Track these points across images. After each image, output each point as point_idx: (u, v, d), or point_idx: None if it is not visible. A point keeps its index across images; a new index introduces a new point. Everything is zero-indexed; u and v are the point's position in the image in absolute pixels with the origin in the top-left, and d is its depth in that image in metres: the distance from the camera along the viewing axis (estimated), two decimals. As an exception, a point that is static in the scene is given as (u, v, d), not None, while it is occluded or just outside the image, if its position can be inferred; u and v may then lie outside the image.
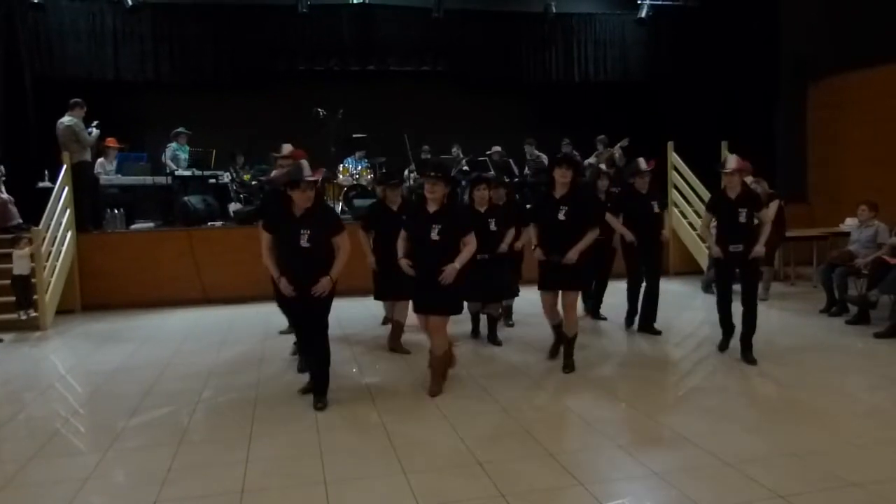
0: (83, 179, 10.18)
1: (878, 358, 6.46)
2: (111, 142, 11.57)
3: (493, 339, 7.25)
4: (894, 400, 5.30)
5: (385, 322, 8.18)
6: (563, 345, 6.28)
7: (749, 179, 9.56)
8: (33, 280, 8.83)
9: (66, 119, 10.05)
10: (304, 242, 5.08)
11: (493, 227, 6.88)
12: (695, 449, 4.32)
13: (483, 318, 7.44)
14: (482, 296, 7.09)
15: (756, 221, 6.40)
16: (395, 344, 7.07)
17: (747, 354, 6.32)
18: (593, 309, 8.42)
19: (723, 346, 6.62)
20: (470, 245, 5.45)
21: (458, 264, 5.35)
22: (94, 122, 10.40)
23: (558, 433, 4.72)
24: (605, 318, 8.29)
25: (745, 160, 6.76)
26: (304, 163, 5.19)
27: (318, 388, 5.40)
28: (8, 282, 8.74)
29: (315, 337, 5.36)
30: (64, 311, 9.54)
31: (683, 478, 3.92)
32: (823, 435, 4.52)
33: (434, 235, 5.35)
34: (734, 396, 5.40)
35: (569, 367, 6.13)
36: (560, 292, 6.14)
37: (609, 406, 5.26)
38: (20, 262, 8.68)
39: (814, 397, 5.29)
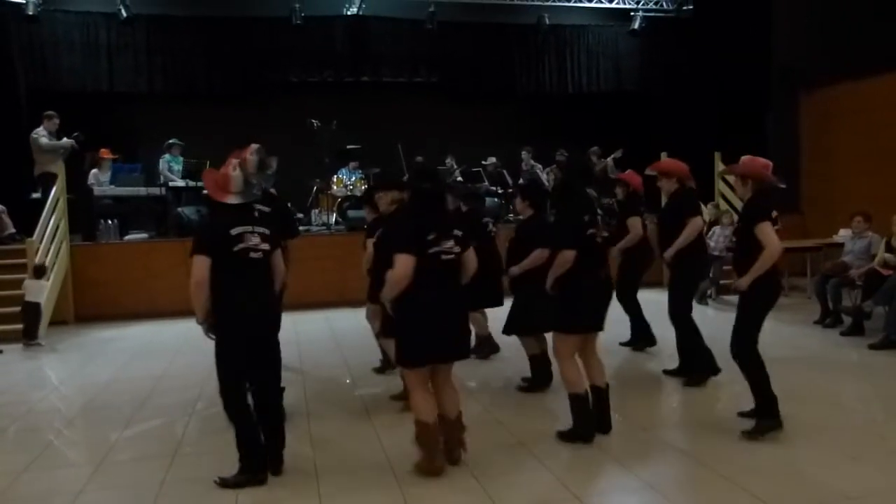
0: (48, 190, 10.10)
1: (873, 369, 6.46)
2: (105, 153, 11.53)
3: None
4: (889, 412, 5.32)
5: (381, 371, 6.65)
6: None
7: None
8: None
9: (34, 131, 10.17)
10: (253, 254, 4.04)
11: None
12: (689, 461, 4.32)
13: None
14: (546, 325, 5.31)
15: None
16: None
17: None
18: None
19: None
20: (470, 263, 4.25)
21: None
22: (75, 133, 10.39)
23: (552, 445, 4.69)
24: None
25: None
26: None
27: (279, 453, 4.24)
28: (5, 293, 8.74)
29: (275, 395, 4.40)
30: (57, 322, 9.47)
31: (678, 490, 3.92)
32: (818, 447, 4.51)
33: (447, 254, 4.09)
34: (728, 408, 5.38)
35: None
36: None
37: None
38: (36, 291, 8.56)
39: (808, 409, 5.28)
